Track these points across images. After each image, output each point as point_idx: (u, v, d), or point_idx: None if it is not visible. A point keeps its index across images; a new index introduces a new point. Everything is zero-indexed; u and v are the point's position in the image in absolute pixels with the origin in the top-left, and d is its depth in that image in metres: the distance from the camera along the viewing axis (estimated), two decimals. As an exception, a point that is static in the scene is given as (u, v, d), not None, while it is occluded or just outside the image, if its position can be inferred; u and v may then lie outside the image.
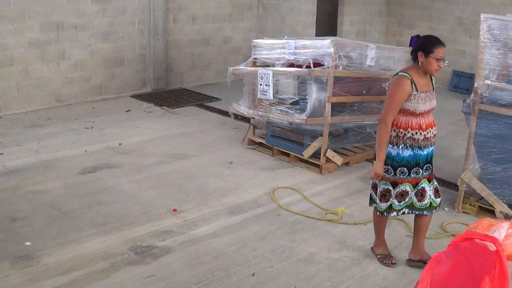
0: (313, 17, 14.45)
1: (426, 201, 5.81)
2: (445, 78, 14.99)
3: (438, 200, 5.90)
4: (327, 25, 16.14)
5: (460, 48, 14.85)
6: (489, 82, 7.03)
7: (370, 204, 6.08)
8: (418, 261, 6.00)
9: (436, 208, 5.90)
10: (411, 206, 5.83)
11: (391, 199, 5.79)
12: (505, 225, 3.28)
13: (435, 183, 5.93)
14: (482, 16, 7.04)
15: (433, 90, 5.78)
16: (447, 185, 8.19)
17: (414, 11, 16.01)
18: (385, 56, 8.85)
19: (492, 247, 2.72)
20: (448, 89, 14.73)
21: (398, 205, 5.79)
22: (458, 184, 7.42)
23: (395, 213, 5.85)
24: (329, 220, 6.97)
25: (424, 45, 5.58)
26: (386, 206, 5.82)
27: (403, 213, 5.88)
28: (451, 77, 14.95)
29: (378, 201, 5.86)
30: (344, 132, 9.15)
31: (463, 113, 7.34)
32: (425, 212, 5.87)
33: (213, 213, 7.02)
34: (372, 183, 5.96)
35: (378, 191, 5.84)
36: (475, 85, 7.08)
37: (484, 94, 7.03)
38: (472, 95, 7.11)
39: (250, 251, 6.13)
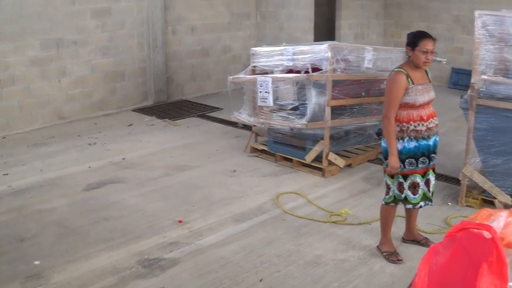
0: (311, 23, 14.51)
1: (431, 190, 6.07)
2: (444, 76, 15.03)
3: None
4: (325, 30, 16.21)
5: (458, 46, 14.93)
6: (485, 77, 7.11)
7: (389, 201, 6.11)
8: (411, 240, 6.39)
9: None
10: (425, 198, 6.04)
11: (404, 191, 5.94)
12: (503, 214, 3.31)
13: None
14: (476, 12, 7.13)
15: (430, 82, 5.95)
16: (450, 180, 8.25)
17: (411, 11, 16.07)
18: (382, 57, 8.91)
19: (487, 235, 2.75)
20: (448, 86, 14.79)
21: (414, 198, 5.97)
22: (460, 179, 7.48)
23: (411, 205, 6.02)
24: (333, 222, 7.00)
25: (410, 40, 5.79)
26: (402, 196, 5.97)
27: (420, 206, 6.06)
28: (450, 75, 15.01)
29: (397, 192, 5.98)
30: (345, 135, 9.20)
31: (461, 108, 7.43)
32: (429, 204, 6.13)
33: (219, 222, 7.05)
34: (385, 181, 6.06)
35: (394, 184, 5.98)
36: (472, 80, 7.17)
37: (481, 89, 7.14)
38: (469, 90, 7.18)
39: (257, 258, 6.16)
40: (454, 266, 2.78)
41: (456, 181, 7.94)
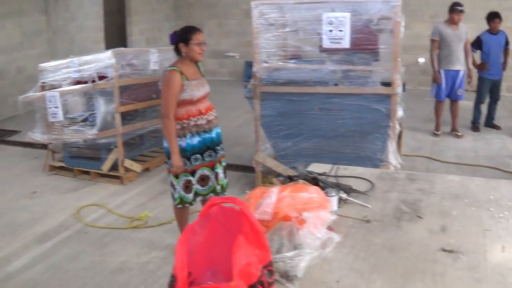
0: (101, 32, 14.51)
1: (220, 184, 6.17)
2: (239, 70, 15.38)
3: (226, 180, 6.29)
4: (117, 38, 16.17)
5: (250, 39, 15.07)
6: (266, 64, 7.33)
7: (176, 202, 6.17)
8: None
9: (226, 189, 6.30)
10: (215, 192, 6.15)
11: (193, 187, 6.02)
12: (275, 190, 3.44)
13: (224, 163, 6.27)
14: (253, 3, 7.30)
15: (203, 76, 6.07)
16: (247, 169, 8.53)
17: (201, 10, 16.32)
18: (168, 57, 8.95)
19: (237, 207, 2.84)
20: (243, 80, 15.16)
21: (203, 190, 6.09)
22: (254, 166, 7.67)
23: (201, 197, 6.12)
24: (135, 227, 7.09)
25: (182, 37, 5.86)
26: (192, 196, 6.05)
27: (210, 197, 6.08)
28: (245, 68, 15.36)
29: (183, 193, 6.02)
30: (140, 139, 9.29)
31: (246, 98, 7.60)
32: (220, 196, 6.12)
33: (23, 246, 6.88)
34: (171, 181, 6.10)
35: (180, 185, 6.01)
36: (253, 69, 7.35)
37: (263, 77, 7.33)
38: (252, 79, 7.37)
39: (63, 274, 6.10)
40: (215, 242, 2.87)
41: (253, 170, 8.13)
